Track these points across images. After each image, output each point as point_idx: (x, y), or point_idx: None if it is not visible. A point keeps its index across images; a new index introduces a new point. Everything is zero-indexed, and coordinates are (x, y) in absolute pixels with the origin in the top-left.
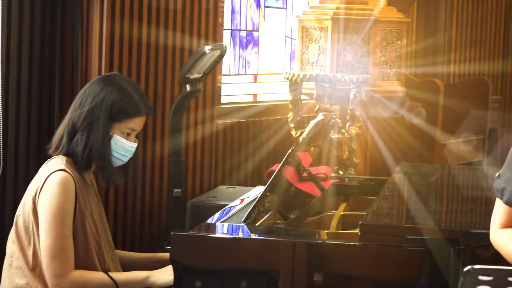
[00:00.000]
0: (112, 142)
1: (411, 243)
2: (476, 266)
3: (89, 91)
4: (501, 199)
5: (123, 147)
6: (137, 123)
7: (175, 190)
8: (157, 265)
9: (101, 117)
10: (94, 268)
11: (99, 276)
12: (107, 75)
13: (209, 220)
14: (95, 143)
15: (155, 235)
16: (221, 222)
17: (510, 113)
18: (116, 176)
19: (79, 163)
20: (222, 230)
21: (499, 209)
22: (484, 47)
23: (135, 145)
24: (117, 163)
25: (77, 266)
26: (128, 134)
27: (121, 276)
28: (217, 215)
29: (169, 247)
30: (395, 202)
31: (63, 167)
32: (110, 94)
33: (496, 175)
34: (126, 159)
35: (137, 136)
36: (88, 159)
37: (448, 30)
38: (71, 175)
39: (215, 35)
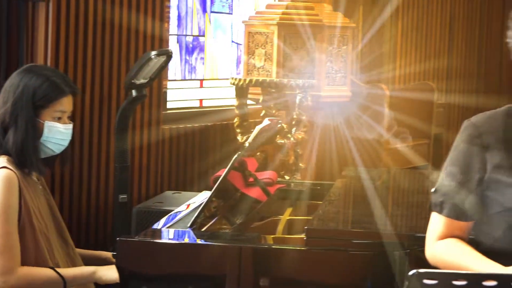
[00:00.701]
0: (46, 129)
1: (357, 247)
2: (421, 270)
3: (9, 86)
4: (441, 213)
5: (58, 131)
6: (64, 105)
7: (121, 196)
8: (104, 263)
9: (24, 108)
10: (45, 264)
11: (46, 272)
12: (23, 67)
13: (155, 226)
14: (21, 136)
15: (101, 241)
16: (167, 228)
17: (454, 118)
18: (42, 168)
19: (15, 159)
20: (168, 236)
21: (438, 222)
22: (430, 51)
23: (70, 126)
24: (58, 149)
25: (28, 262)
26: (60, 118)
27: (68, 271)
28: (163, 220)
29: (115, 253)
30: (341, 206)
31: (3, 164)
32: (30, 83)
33: (433, 190)
34: (66, 143)
35: (71, 119)
36: (20, 153)
37: (394, 35)
38: (14, 172)
39: (161, 41)
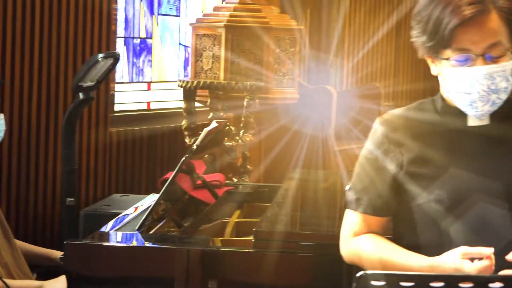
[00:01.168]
0: None
1: (305, 249)
2: (368, 271)
3: None
4: (357, 209)
5: None
6: None
7: (68, 199)
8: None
9: None
10: None
11: None
12: None
13: (103, 229)
14: None
15: (48, 244)
16: (115, 231)
17: None
18: None
19: None
20: (116, 239)
21: (354, 219)
22: (377, 53)
23: (1, 115)
24: None
25: None
26: None
27: (15, 283)
28: (111, 223)
29: (62, 257)
30: (289, 208)
31: None
32: None
33: (347, 188)
34: (1, 134)
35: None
36: None
37: (341, 36)
38: None
39: (108, 43)
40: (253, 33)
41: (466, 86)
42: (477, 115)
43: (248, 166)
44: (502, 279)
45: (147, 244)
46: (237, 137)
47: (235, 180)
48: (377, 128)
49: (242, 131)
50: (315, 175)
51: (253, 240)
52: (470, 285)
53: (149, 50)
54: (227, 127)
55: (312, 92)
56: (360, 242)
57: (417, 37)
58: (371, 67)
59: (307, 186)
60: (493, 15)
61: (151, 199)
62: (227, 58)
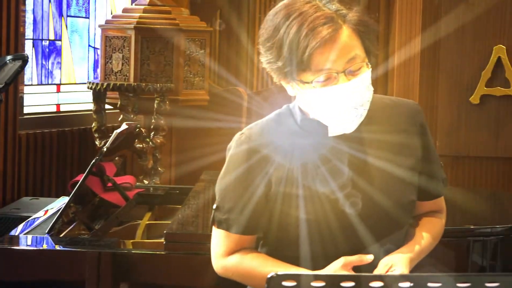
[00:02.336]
0: None
1: None
2: (280, 272)
3: None
4: (228, 230)
5: None
6: None
7: None
8: None
9: None
10: None
11: None
12: None
13: (13, 232)
14: None
15: None
16: (24, 234)
17: None
18: None
19: None
20: (26, 242)
21: (225, 239)
22: None
23: None
24: None
25: None
26: None
27: None
28: (20, 227)
29: None
30: (200, 210)
31: None
32: None
33: (214, 207)
34: None
35: None
36: None
37: (251, 38)
38: None
39: (16, 45)
40: (163, 35)
41: (334, 104)
42: (347, 130)
43: (159, 168)
44: (411, 278)
45: (57, 247)
46: (147, 139)
47: (146, 182)
48: (240, 145)
49: (152, 133)
50: None
51: (164, 242)
52: (381, 284)
53: (58, 52)
54: (137, 129)
55: (222, 93)
56: (235, 260)
57: (271, 63)
58: None
59: None
60: (345, 31)
61: (61, 202)
62: (137, 60)
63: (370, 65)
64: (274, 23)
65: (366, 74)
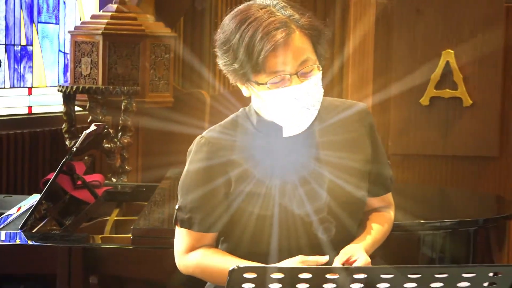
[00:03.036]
0: None
1: None
2: (241, 265)
3: None
4: (190, 228)
5: None
6: None
7: None
8: None
9: None
10: None
11: None
12: None
13: None
14: None
15: None
16: None
17: None
18: None
19: None
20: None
21: (187, 237)
22: None
23: None
24: None
25: None
26: None
27: None
28: None
29: None
30: (165, 206)
31: None
32: None
33: (177, 207)
34: None
35: None
36: None
37: (213, 44)
38: None
39: None
40: (129, 40)
41: (287, 105)
42: (299, 130)
43: (127, 167)
44: (365, 270)
45: (30, 242)
46: (115, 139)
47: (114, 180)
48: (201, 148)
49: (120, 133)
50: None
51: (131, 237)
52: (336, 276)
53: (29, 56)
54: (105, 130)
55: (186, 96)
56: (195, 257)
57: (227, 66)
58: None
59: None
60: (297, 35)
61: (34, 199)
62: (105, 64)
63: (321, 68)
64: (231, 27)
65: (317, 76)
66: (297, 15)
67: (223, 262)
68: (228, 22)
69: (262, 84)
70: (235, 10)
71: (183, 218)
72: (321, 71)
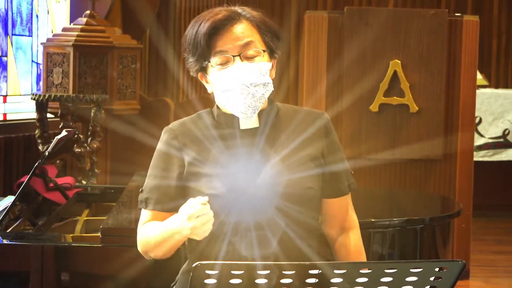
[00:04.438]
0: None
1: None
2: (203, 262)
3: None
4: (146, 208)
5: None
6: None
7: None
8: None
9: None
10: None
11: None
12: None
13: None
14: None
15: None
16: None
17: None
18: None
19: None
20: None
21: (145, 216)
22: None
23: None
24: None
25: None
26: None
27: None
28: None
29: None
30: (133, 207)
31: None
32: None
33: (140, 190)
34: None
35: None
36: None
37: (177, 53)
38: None
39: None
40: (98, 51)
41: (228, 83)
42: (245, 111)
43: (96, 170)
44: (319, 266)
45: (4, 241)
46: (85, 144)
47: (84, 182)
48: (163, 136)
49: (90, 138)
50: None
51: (100, 236)
52: (291, 272)
53: (4, 67)
54: (76, 135)
55: (151, 103)
56: (141, 230)
57: (189, 63)
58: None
59: None
60: (245, 23)
61: (8, 200)
62: (75, 74)
63: (270, 59)
64: (188, 29)
65: (263, 63)
66: (247, 10)
67: (158, 227)
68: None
69: (212, 67)
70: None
71: (141, 199)
72: (271, 63)
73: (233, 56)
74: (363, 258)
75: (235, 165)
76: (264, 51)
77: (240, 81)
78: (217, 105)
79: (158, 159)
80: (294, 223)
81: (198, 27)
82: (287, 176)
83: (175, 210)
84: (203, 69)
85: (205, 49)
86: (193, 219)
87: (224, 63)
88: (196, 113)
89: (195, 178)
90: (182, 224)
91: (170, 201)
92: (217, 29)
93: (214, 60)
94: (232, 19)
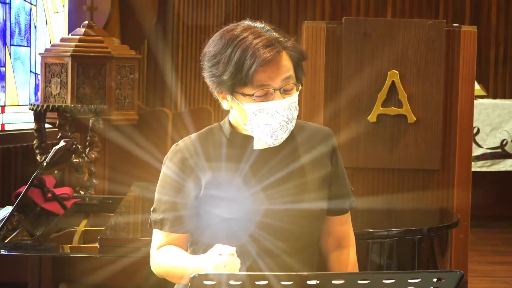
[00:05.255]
0: None
1: (145, 253)
2: (201, 273)
3: None
4: (162, 229)
5: None
6: None
7: None
8: None
9: None
10: None
11: None
12: None
13: None
14: None
15: None
16: None
17: None
18: None
19: None
20: None
21: (159, 237)
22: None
23: None
24: None
25: None
26: None
27: None
28: None
29: None
30: (131, 217)
31: None
32: None
33: (152, 209)
34: None
35: None
36: None
37: (175, 63)
38: None
39: None
40: (96, 62)
41: (269, 117)
42: (275, 142)
43: (94, 180)
44: (318, 276)
45: (2, 251)
46: (83, 155)
47: (82, 193)
48: (175, 155)
49: (88, 149)
50: (154, 187)
51: (98, 247)
52: (290, 283)
53: (2, 77)
54: (74, 146)
55: (149, 113)
56: (158, 254)
57: (216, 77)
58: (203, 89)
59: (146, 197)
60: (284, 55)
61: (6, 211)
62: (74, 84)
63: (299, 88)
64: (223, 42)
65: (296, 95)
66: (282, 38)
67: (177, 260)
68: (218, 38)
69: (249, 95)
70: (225, 28)
71: (156, 219)
72: (298, 92)
73: (274, 90)
74: None
75: (250, 188)
76: (296, 85)
77: (282, 118)
78: (230, 122)
79: (172, 179)
80: (304, 237)
81: (238, 49)
82: (301, 199)
83: (188, 231)
84: (232, 91)
85: (249, 78)
86: (220, 268)
87: (263, 95)
88: (205, 129)
89: (211, 201)
90: (207, 270)
91: (186, 223)
92: (263, 62)
93: (254, 91)
94: (277, 52)
